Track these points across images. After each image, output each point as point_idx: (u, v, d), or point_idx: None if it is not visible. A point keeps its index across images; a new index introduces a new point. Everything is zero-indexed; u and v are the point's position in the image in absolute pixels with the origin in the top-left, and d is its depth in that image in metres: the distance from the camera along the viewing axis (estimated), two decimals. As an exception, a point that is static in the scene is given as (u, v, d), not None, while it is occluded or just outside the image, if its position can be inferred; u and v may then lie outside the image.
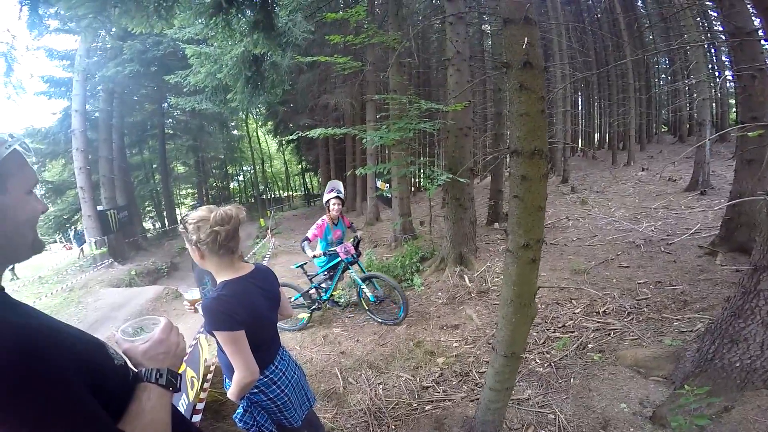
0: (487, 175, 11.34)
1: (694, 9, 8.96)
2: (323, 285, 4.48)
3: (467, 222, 5.46)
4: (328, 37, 5.71)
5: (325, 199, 4.47)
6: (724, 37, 7.90)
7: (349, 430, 2.71)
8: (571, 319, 3.69)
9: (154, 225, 23.88)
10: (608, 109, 18.24)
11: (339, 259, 4.23)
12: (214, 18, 4.41)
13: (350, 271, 4.26)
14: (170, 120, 21.39)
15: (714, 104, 17.00)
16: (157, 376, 0.81)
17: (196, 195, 27.86)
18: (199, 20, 4.74)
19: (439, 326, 4.12)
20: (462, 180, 4.96)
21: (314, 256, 4.22)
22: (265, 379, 1.66)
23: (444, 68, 5.95)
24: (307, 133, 5.50)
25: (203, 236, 1.41)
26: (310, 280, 4.47)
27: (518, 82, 1.55)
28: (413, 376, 3.25)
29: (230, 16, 4.45)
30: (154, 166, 22.48)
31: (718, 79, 15.40)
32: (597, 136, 22.65)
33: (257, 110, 20.31)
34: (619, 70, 15.82)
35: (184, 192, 29.31)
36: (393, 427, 2.71)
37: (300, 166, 31.85)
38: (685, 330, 3.13)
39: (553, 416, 2.51)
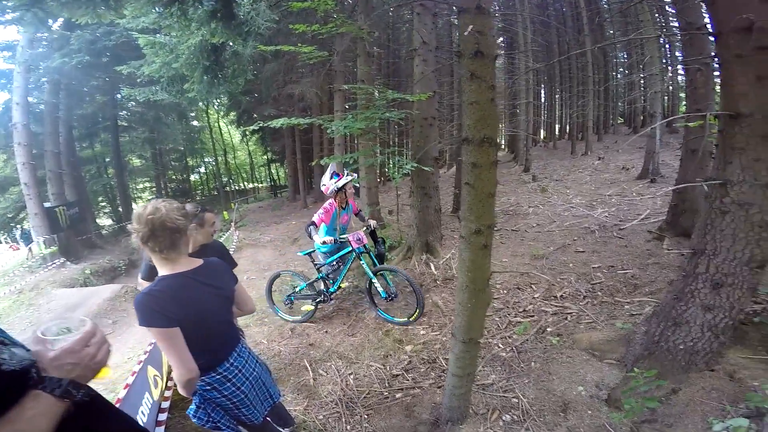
0: (453, 164, 11.49)
1: (652, 4, 9.33)
2: (331, 276, 4.17)
3: (432, 210, 5.53)
4: (292, 26, 5.51)
5: (338, 186, 3.94)
6: (677, 32, 8.34)
7: (321, 422, 2.71)
8: (531, 304, 3.82)
9: (113, 220, 22.58)
10: (569, 101, 18.89)
11: (349, 248, 3.90)
12: (168, 7, 4.19)
13: (361, 262, 3.94)
14: (124, 111, 20.24)
15: (666, 97, 18.00)
16: (55, 386, 0.76)
17: (154, 189, 26.60)
18: (154, 10, 4.53)
19: (407, 314, 4.13)
20: (427, 169, 5.00)
21: (323, 242, 3.83)
22: (218, 377, 1.65)
23: (411, 58, 5.94)
24: (271, 123, 5.36)
25: (137, 232, 1.41)
26: (318, 269, 4.16)
27: (469, 70, 1.55)
28: (383, 365, 3.28)
29: (187, 5, 4.23)
30: (108, 159, 21.23)
31: (670, 73, 16.26)
32: (558, 126, 23.42)
33: (218, 100, 19.57)
34: (580, 63, 16.39)
35: (141, 186, 27.85)
36: (365, 416, 2.73)
37: (265, 156, 30.90)
38: (635, 313, 3.27)
39: (516, 400, 2.60)
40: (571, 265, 4.47)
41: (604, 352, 2.87)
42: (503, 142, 24.61)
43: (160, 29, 5.96)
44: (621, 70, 21.85)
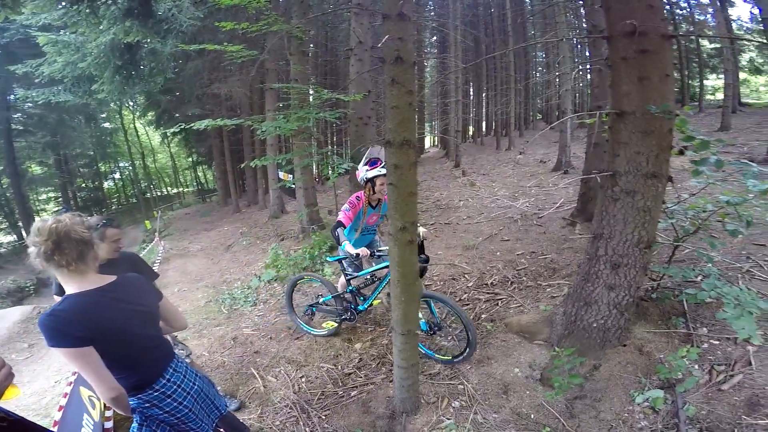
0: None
1: (568, 6, 10.08)
2: (363, 291, 3.51)
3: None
4: (218, 24, 5.19)
5: (368, 176, 3.16)
6: (574, 35, 9.26)
7: (279, 427, 2.68)
8: (466, 293, 4.02)
9: (13, 236, 19.57)
10: (494, 98, 20.15)
11: (387, 263, 3.05)
12: (77, 5, 3.77)
13: None
14: (19, 114, 17.78)
15: (577, 94, 19.90)
16: None
17: (60, 199, 23.53)
18: (59, 7, 4.05)
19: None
20: (361, 168, 5.03)
21: (348, 253, 3.02)
22: (156, 393, 1.62)
23: (348, 57, 5.92)
24: (194, 124, 5.02)
25: (39, 246, 1.34)
26: (348, 281, 3.46)
27: (390, 76, 1.61)
28: (334, 366, 3.28)
29: (97, 3, 3.84)
30: (0, 168, 18.36)
31: (580, 72, 18.01)
32: (485, 123, 24.90)
33: (133, 100, 17.86)
34: (503, 62, 17.53)
35: (44, 196, 24.48)
36: (323, 417, 2.74)
37: (190, 159, 28.82)
38: (555, 295, 3.52)
39: (462, 387, 2.74)
40: (498, 253, 4.78)
41: (533, 334, 3.07)
42: (435, 139, 25.60)
43: (66, 27, 5.34)
44: (540, 69, 23.72)
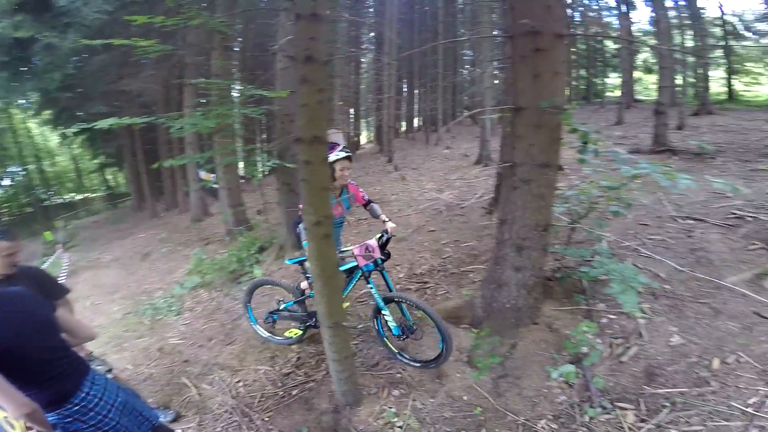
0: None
1: (493, 6, 10.48)
2: None
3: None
4: (129, 18, 4.67)
5: (329, 159, 2.85)
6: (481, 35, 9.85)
7: None
8: (398, 284, 4.14)
9: None
10: (424, 95, 20.77)
11: (354, 263, 2.92)
12: None
13: (370, 285, 2.88)
14: None
15: (499, 92, 21.08)
16: None
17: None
18: None
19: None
20: (289, 165, 4.91)
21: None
22: (76, 408, 1.60)
23: (275, 54, 5.70)
24: (97, 124, 4.51)
25: None
26: (310, 285, 3.10)
27: (301, 74, 1.62)
28: (272, 367, 3.24)
29: None
30: None
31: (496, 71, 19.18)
32: (417, 119, 25.59)
33: (25, 99, 15.45)
34: (432, 60, 18.10)
35: None
36: (266, 419, 2.70)
37: (97, 160, 25.68)
38: (476, 280, 3.71)
39: (400, 375, 2.83)
40: (426, 243, 4.97)
41: (458, 319, 3.24)
42: (371, 134, 25.77)
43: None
44: (467, 67, 24.86)
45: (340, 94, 14.86)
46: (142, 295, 6.05)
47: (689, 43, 15.15)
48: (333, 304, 2.11)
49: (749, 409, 2.13)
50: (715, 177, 3.63)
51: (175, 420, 2.81)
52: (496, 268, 2.78)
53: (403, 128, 24.97)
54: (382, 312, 2.87)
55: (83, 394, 1.64)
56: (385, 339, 3.05)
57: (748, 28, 17.13)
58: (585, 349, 2.62)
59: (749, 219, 4.00)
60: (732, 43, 16.73)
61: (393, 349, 3.02)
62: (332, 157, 2.82)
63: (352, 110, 21.48)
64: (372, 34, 21.22)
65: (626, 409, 2.31)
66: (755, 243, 3.54)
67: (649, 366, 2.53)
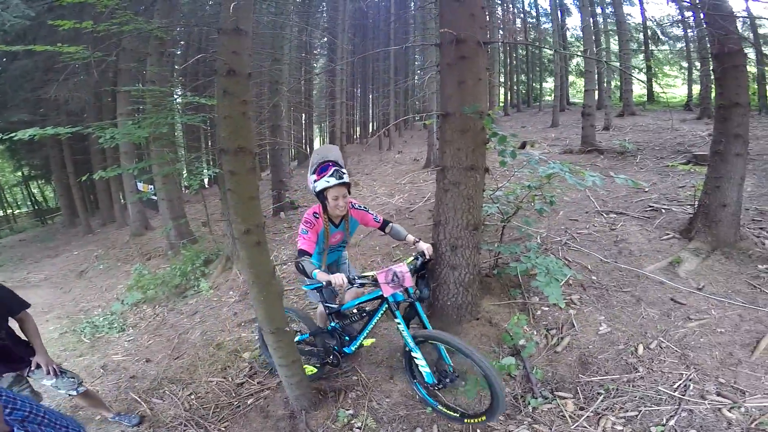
0: (268, 167, 11.28)
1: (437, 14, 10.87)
2: (348, 329, 2.76)
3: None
4: (53, 22, 4.29)
5: (316, 188, 2.41)
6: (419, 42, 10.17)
7: None
8: (350, 287, 4.18)
9: None
10: (377, 100, 21.00)
11: (377, 293, 2.38)
12: None
13: (398, 321, 2.35)
14: None
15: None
16: None
17: None
18: None
19: (237, 324, 4.05)
20: (230, 174, 4.78)
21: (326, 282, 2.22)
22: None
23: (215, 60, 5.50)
24: (16, 135, 4.14)
25: None
26: (330, 315, 2.70)
27: (222, 88, 1.63)
28: (224, 378, 3.19)
29: None
30: None
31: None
32: (371, 124, 25.76)
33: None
34: (385, 65, 18.34)
35: None
36: (222, 429, 2.66)
37: (20, 173, 23.11)
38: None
39: (356, 377, 2.86)
40: (377, 247, 5.06)
41: (406, 319, 3.31)
42: (325, 141, 25.50)
43: None
44: (418, 72, 25.43)
45: (289, 100, 14.65)
46: (80, 313, 5.78)
47: (615, 48, 16.61)
48: (273, 309, 2.11)
49: (676, 393, 2.33)
50: (628, 174, 4.03)
51: (140, 423, 2.80)
52: (435, 268, 2.89)
53: (357, 134, 25.08)
54: (413, 354, 2.35)
55: None
56: (417, 385, 2.56)
57: (664, 33, 19.03)
58: (522, 342, 2.78)
59: (663, 211, 4.48)
60: (652, 47, 18.47)
61: (424, 394, 2.56)
62: (321, 183, 2.33)
63: (303, 116, 21.24)
64: (324, 39, 21.17)
65: (565, 398, 2.46)
66: (668, 233, 3.96)
67: (582, 355, 2.73)
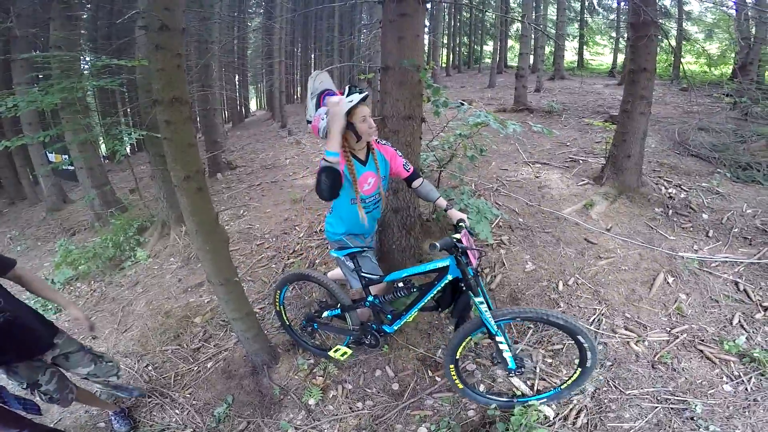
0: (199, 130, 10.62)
1: None
2: (389, 305, 2.30)
3: (180, 178, 5.11)
4: None
5: (338, 109, 1.85)
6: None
7: (147, 418, 2.57)
8: (298, 243, 4.23)
9: None
10: (320, 59, 20.13)
11: (446, 261, 1.97)
12: None
13: (480, 299, 1.92)
14: None
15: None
16: None
17: None
18: None
19: (183, 290, 3.97)
20: (158, 135, 4.49)
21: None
22: None
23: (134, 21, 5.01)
24: None
25: None
26: (365, 286, 2.27)
27: (154, 42, 1.64)
28: (179, 345, 3.17)
29: None
30: None
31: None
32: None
33: None
34: (329, 24, 17.48)
35: None
36: (187, 395, 2.67)
37: None
38: None
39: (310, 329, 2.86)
40: (323, 202, 5.04)
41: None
42: (262, 100, 24.16)
43: None
44: (364, 31, 24.45)
45: (220, 59, 13.63)
46: (7, 299, 5.16)
47: (552, 16, 17.26)
48: (220, 259, 2.14)
49: (592, 327, 2.62)
50: (551, 128, 4.42)
51: (141, 396, 2.68)
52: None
53: (299, 93, 24.04)
54: (497, 339, 1.99)
55: None
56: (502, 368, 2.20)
57: (600, 4, 20.06)
58: None
59: (581, 161, 5.01)
60: (587, 17, 19.45)
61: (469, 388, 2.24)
62: (346, 103, 1.83)
63: (237, 76, 19.84)
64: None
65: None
66: (584, 180, 4.47)
67: (513, 291, 3.02)
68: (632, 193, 4.04)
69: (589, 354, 1.88)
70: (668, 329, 2.60)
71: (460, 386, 2.17)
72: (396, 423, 2.29)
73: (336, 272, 2.68)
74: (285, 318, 2.78)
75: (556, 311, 1.96)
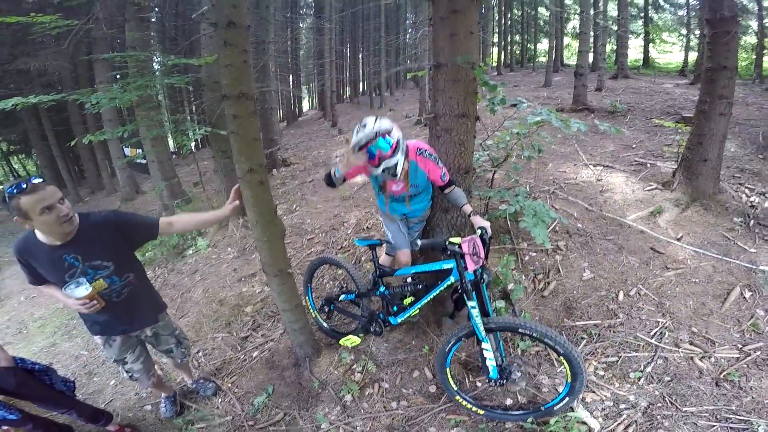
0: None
1: None
2: (398, 297, 2.47)
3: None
4: None
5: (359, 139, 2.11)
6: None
7: (192, 401, 2.69)
8: (346, 240, 4.31)
9: None
10: (368, 59, 20.42)
11: (451, 264, 2.05)
12: None
13: (472, 304, 1.97)
14: None
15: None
16: None
17: None
18: None
19: (237, 279, 4.14)
20: (223, 132, 4.77)
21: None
22: None
23: (200, 22, 5.40)
24: None
25: None
26: (380, 276, 2.50)
27: (223, 39, 1.72)
28: (229, 333, 3.29)
29: None
30: None
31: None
32: (362, 84, 25.12)
33: None
34: (375, 24, 17.70)
35: None
36: (231, 383, 2.77)
37: (-2, 149, 22.01)
38: None
39: (354, 326, 2.96)
40: (370, 199, 5.12)
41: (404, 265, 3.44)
42: (314, 100, 24.91)
43: None
44: (410, 30, 24.56)
45: (275, 60, 14.26)
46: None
47: (613, 12, 16.19)
48: (276, 250, 2.22)
49: (653, 341, 2.46)
50: (617, 127, 4.12)
51: (215, 393, 2.74)
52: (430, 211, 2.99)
53: (348, 93, 24.54)
54: (483, 345, 2.03)
55: None
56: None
57: (666, 0, 18.59)
58: (511, 286, 2.90)
59: (648, 165, 4.62)
60: (651, 13, 18.08)
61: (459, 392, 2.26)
62: (362, 136, 2.09)
63: (291, 77, 20.64)
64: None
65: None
66: (651, 185, 4.12)
67: (567, 300, 2.86)
68: (707, 200, 3.66)
69: (578, 379, 1.88)
70: (740, 346, 2.39)
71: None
72: (429, 426, 2.25)
73: (384, 258, 2.92)
74: (312, 298, 3.18)
75: (554, 331, 1.89)
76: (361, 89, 24.85)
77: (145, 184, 10.54)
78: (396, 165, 2.10)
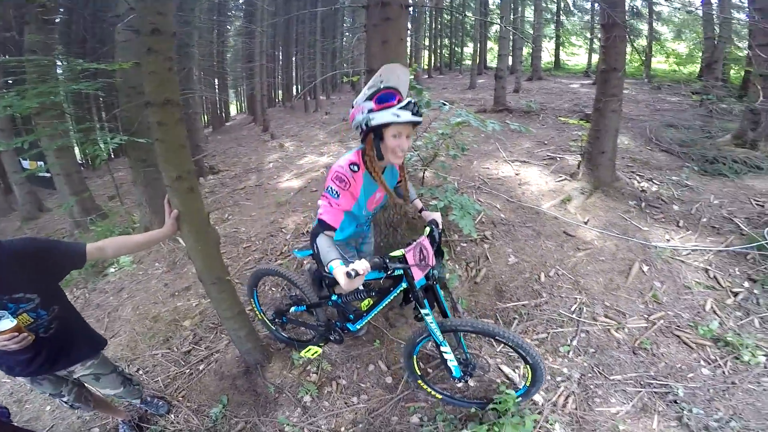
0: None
1: None
2: (353, 305, 2.34)
3: (162, 182, 5.04)
4: None
5: (373, 121, 1.63)
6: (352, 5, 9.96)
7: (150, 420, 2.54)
8: (285, 245, 4.25)
9: None
10: (302, 63, 20.07)
11: (399, 272, 1.82)
12: None
13: (425, 311, 1.91)
14: None
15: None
16: None
17: None
18: None
19: (170, 294, 3.91)
20: (141, 141, 4.45)
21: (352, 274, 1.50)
22: None
23: (113, 26, 4.96)
24: None
25: None
26: (327, 286, 2.34)
27: (147, 46, 1.67)
28: (169, 349, 3.12)
29: None
30: None
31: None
32: (296, 87, 24.59)
33: None
34: (311, 27, 17.43)
35: None
36: (180, 399, 2.63)
37: None
38: None
39: (304, 329, 2.93)
40: (309, 203, 5.11)
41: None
42: (243, 105, 23.88)
43: None
44: (347, 34, 24.54)
45: (200, 64, 13.54)
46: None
47: (530, 17, 17.63)
48: (211, 258, 2.16)
49: (574, 316, 2.74)
50: (529, 127, 4.58)
51: (168, 412, 2.59)
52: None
53: (280, 97, 23.91)
54: (442, 349, 2.01)
55: None
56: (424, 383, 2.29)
57: (575, 6, 20.63)
58: (447, 275, 3.09)
59: (558, 159, 5.19)
60: (562, 18, 19.96)
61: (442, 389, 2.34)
62: (383, 116, 1.60)
63: (216, 80, 19.63)
64: (241, 0, 19.42)
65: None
66: (561, 176, 4.64)
67: (497, 284, 3.12)
68: (607, 187, 4.22)
69: (536, 370, 1.91)
70: (646, 316, 2.74)
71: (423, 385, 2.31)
72: (392, 415, 2.34)
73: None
74: (258, 302, 2.95)
75: (506, 329, 2.01)
76: (295, 93, 24.34)
77: (50, 201, 9.37)
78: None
